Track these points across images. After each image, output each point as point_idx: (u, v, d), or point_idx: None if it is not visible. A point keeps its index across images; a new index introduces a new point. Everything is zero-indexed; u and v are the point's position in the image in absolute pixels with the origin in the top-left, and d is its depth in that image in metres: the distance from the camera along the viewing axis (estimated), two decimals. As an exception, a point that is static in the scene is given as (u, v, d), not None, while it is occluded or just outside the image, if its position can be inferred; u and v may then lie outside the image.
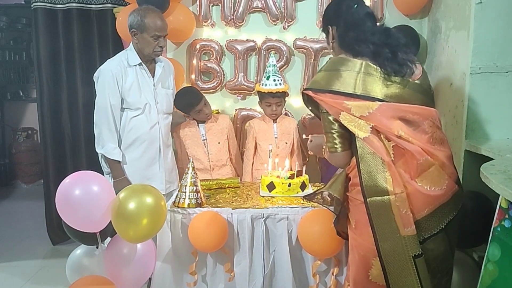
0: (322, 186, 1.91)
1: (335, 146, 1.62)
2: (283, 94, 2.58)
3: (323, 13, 1.82)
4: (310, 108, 1.75)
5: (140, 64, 2.37)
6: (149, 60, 2.42)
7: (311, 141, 2.00)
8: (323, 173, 2.68)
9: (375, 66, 1.58)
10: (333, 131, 1.61)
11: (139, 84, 2.37)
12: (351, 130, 1.56)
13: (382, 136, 1.55)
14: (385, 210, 1.52)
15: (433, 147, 1.57)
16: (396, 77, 1.58)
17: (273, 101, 2.54)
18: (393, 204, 1.51)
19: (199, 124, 2.65)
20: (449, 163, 1.61)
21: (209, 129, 2.64)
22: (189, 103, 2.54)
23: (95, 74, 2.38)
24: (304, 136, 2.09)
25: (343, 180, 1.69)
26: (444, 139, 1.65)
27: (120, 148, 2.38)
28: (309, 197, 2.00)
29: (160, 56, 2.47)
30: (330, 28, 1.74)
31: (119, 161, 2.36)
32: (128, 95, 2.34)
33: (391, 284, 1.56)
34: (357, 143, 1.56)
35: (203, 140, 2.63)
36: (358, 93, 1.55)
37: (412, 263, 1.52)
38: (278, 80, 2.51)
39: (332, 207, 1.82)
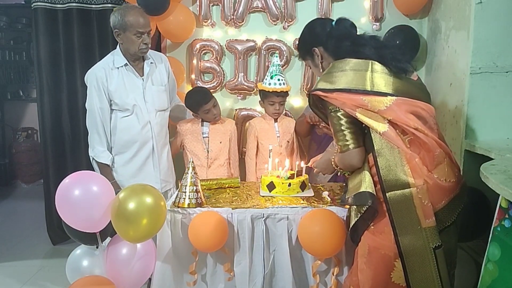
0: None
1: (347, 143, 1.59)
2: (286, 94, 2.60)
3: (298, 44, 1.81)
4: (315, 111, 1.74)
5: (126, 65, 2.35)
6: (137, 60, 2.39)
7: (315, 167, 1.98)
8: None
9: (381, 66, 1.61)
10: (343, 127, 1.59)
11: (125, 85, 2.35)
12: (369, 125, 1.55)
13: (397, 131, 1.57)
14: (406, 203, 1.53)
15: (440, 142, 1.61)
16: (401, 75, 1.62)
17: (277, 100, 2.55)
18: (415, 196, 1.52)
19: (204, 122, 2.63)
20: (453, 157, 1.67)
21: (213, 128, 2.63)
22: (196, 102, 2.54)
23: (84, 77, 2.37)
24: (309, 164, 2.07)
25: (370, 176, 1.62)
26: (442, 136, 1.69)
27: (113, 149, 2.38)
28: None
29: (150, 52, 2.42)
30: (316, 50, 1.75)
31: (108, 165, 2.37)
32: (115, 97, 2.33)
33: (411, 279, 1.56)
34: (373, 139, 1.57)
35: (205, 137, 2.62)
36: (369, 89, 1.57)
37: (432, 254, 1.54)
38: (282, 80, 2.53)
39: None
